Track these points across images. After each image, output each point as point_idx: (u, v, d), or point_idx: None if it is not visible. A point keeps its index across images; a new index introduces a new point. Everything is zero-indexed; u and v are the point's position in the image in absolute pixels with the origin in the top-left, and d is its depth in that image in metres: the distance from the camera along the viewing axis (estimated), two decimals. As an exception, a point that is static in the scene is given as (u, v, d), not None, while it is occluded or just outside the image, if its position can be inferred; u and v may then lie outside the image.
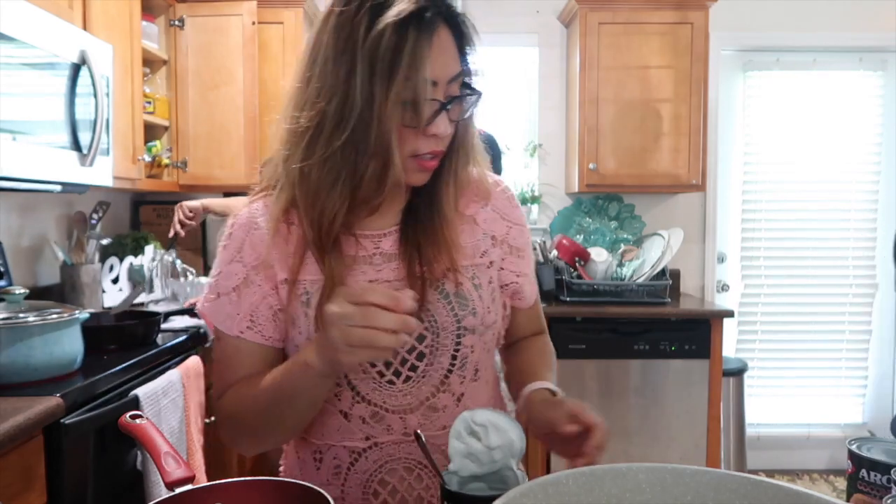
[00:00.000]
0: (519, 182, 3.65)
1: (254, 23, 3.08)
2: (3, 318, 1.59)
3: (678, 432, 3.02)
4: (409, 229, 0.95)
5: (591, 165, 3.27)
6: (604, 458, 0.86)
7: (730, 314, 3.08)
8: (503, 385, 1.10)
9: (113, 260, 2.83)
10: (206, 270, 3.49)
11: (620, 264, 3.33)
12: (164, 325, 2.28)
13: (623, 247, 3.41)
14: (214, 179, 3.14)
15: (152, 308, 2.62)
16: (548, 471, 2.86)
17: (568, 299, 3.21)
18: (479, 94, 0.89)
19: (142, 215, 3.45)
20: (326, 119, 0.85)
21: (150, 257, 2.95)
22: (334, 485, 0.96)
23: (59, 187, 2.05)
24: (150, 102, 2.91)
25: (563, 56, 3.60)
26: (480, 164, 0.99)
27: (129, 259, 2.91)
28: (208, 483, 0.77)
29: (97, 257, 2.62)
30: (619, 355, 3.02)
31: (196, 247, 3.48)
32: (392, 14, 0.81)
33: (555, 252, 3.33)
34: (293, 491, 0.76)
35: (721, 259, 3.76)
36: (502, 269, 1.02)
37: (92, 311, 2.05)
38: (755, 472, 3.44)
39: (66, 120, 2.03)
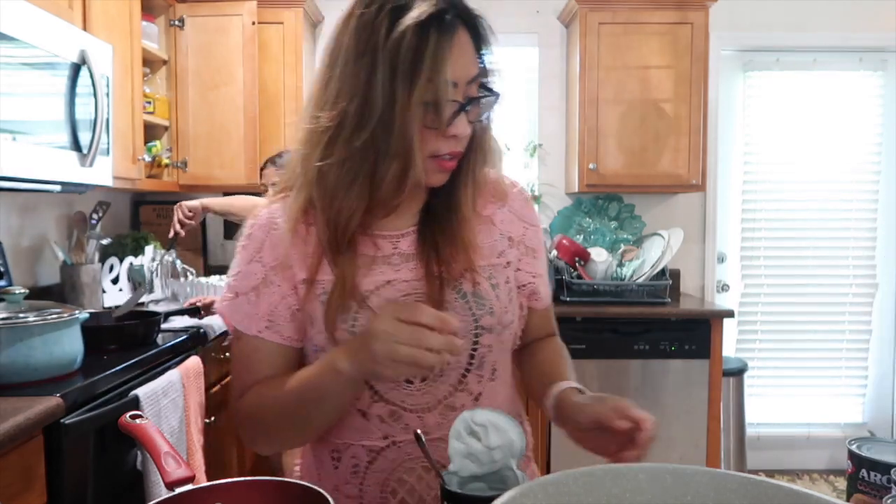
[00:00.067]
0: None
1: (254, 23, 3.08)
2: (3, 318, 1.59)
3: (678, 432, 3.02)
4: (427, 230, 0.96)
5: (591, 165, 3.27)
6: (604, 458, 0.86)
7: (730, 314, 3.08)
8: None
9: (113, 260, 2.83)
10: (206, 270, 3.49)
11: (620, 264, 3.33)
12: (164, 325, 2.28)
13: (623, 247, 3.42)
14: (214, 179, 3.14)
15: (152, 308, 2.62)
16: (548, 471, 2.86)
17: (568, 299, 3.21)
18: (497, 95, 0.90)
19: (142, 215, 3.45)
20: (346, 119, 0.86)
21: (150, 257, 2.95)
22: (352, 484, 0.96)
23: (59, 187, 2.05)
24: (150, 102, 2.91)
25: (563, 56, 3.60)
26: (497, 165, 1.00)
27: (129, 259, 2.91)
28: (208, 483, 0.77)
29: (97, 257, 2.62)
30: (619, 355, 3.02)
31: (196, 247, 3.48)
32: (413, 16, 0.82)
33: (555, 252, 3.33)
34: (293, 491, 0.76)
35: (721, 259, 3.76)
36: (519, 269, 1.02)
37: (92, 311, 2.06)
38: (755, 472, 3.44)
39: (66, 120, 2.03)
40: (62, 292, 2.51)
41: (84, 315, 1.77)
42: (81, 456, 1.60)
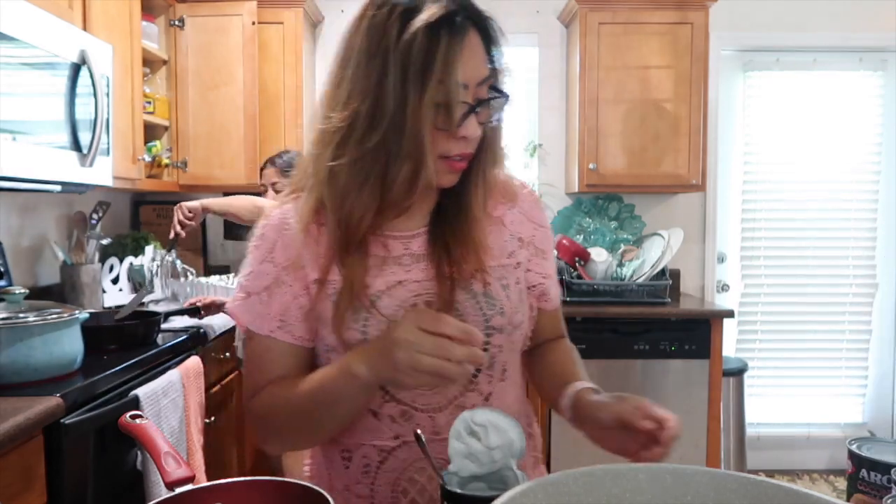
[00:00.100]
0: (519, 182, 3.64)
1: (254, 23, 3.08)
2: (3, 318, 1.59)
3: (678, 432, 3.01)
4: (438, 230, 0.96)
5: (591, 165, 3.27)
6: (604, 458, 0.86)
7: (730, 314, 3.08)
8: None
9: (113, 260, 2.83)
10: (206, 270, 3.49)
11: (620, 264, 3.33)
12: (164, 325, 2.28)
13: (623, 247, 3.41)
14: (214, 179, 3.14)
15: (152, 308, 2.62)
16: (548, 471, 2.86)
17: (568, 299, 3.21)
18: (507, 96, 0.90)
19: (142, 215, 3.45)
20: (358, 120, 0.86)
21: (150, 257, 2.95)
22: (363, 483, 0.96)
23: (59, 187, 2.05)
24: (150, 102, 2.91)
25: (563, 56, 3.60)
26: (507, 166, 1.01)
27: (129, 259, 2.91)
28: (208, 483, 0.77)
29: (97, 257, 2.62)
30: (619, 355, 3.02)
31: (196, 247, 3.48)
32: (423, 18, 0.83)
33: (555, 252, 3.33)
34: (293, 491, 0.76)
35: (721, 259, 3.76)
36: (529, 270, 1.03)
37: (92, 311, 2.06)
38: (755, 472, 3.44)
39: (66, 120, 2.03)
40: (62, 292, 2.51)
41: (84, 315, 1.77)
42: (81, 456, 1.60)
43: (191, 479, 0.78)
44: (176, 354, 2.14)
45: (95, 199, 2.66)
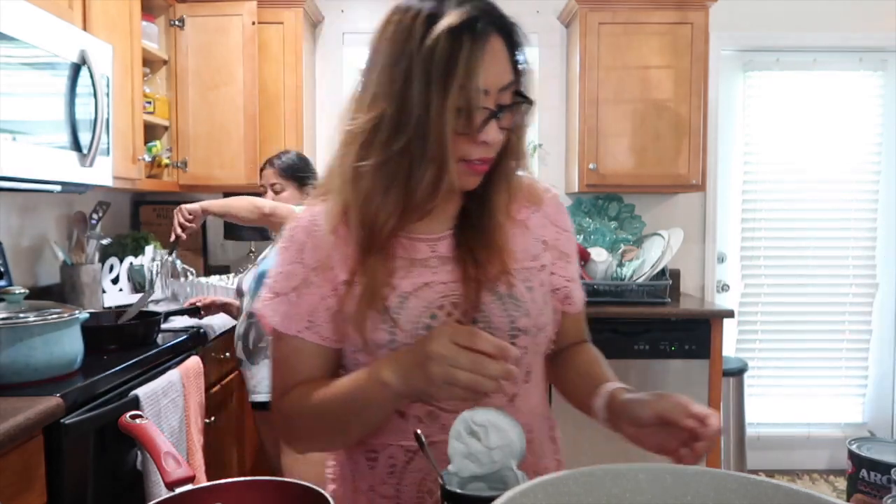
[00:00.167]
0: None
1: (254, 23, 3.08)
2: (3, 318, 1.59)
3: (678, 432, 3.01)
4: (463, 234, 0.97)
5: (591, 165, 3.27)
6: (604, 458, 0.86)
7: (730, 314, 3.08)
8: None
9: (113, 260, 2.83)
10: (206, 270, 3.49)
11: (620, 264, 3.33)
12: (164, 325, 2.28)
13: (623, 247, 3.41)
14: (214, 179, 3.14)
15: (152, 308, 2.62)
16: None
17: (568, 299, 3.20)
18: (530, 102, 0.91)
19: (142, 215, 3.45)
20: (383, 123, 0.87)
21: (150, 257, 2.95)
22: (389, 484, 0.96)
23: (59, 187, 2.05)
24: (150, 102, 2.91)
25: (563, 56, 3.60)
26: (531, 170, 1.02)
27: (129, 259, 2.91)
28: (208, 483, 0.77)
29: (97, 257, 2.62)
30: (619, 355, 3.02)
31: (196, 247, 3.49)
32: (447, 23, 0.84)
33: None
34: (293, 491, 0.76)
35: (721, 259, 3.76)
36: (553, 273, 1.03)
37: (92, 311, 2.06)
38: (755, 472, 3.44)
39: (66, 120, 2.03)
40: (62, 292, 2.51)
41: (84, 315, 1.77)
42: (81, 456, 1.60)
43: (191, 479, 0.78)
44: (176, 354, 2.14)
45: (95, 199, 2.66)
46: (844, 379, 3.81)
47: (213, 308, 2.52)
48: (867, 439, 0.98)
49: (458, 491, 0.76)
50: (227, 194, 3.11)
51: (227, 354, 2.59)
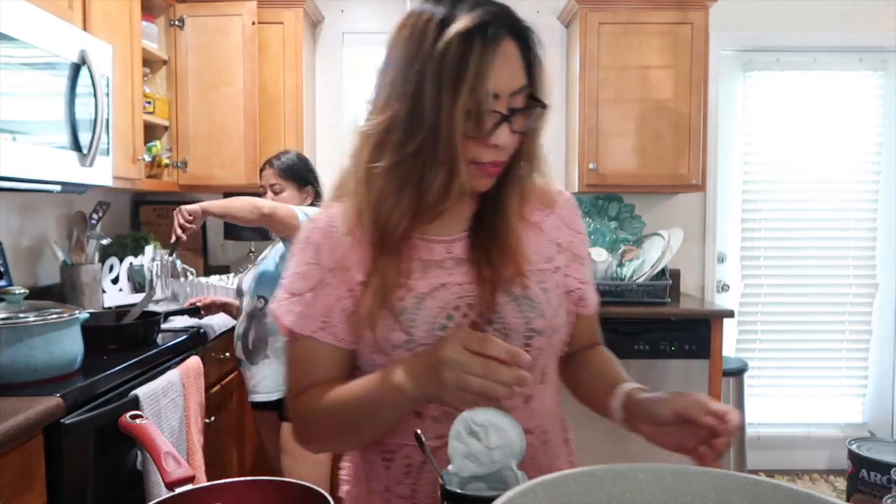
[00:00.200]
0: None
1: (254, 23, 3.08)
2: (3, 318, 1.59)
3: (678, 432, 3.01)
4: (477, 235, 0.98)
5: (591, 165, 3.27)
6: (604, 458, 0.86)
7: (730, 314, 3.08)
8: None
9: (113, 260, 2.83)
10: (206, 270, 3.49)
11: (620, 264, 3.33)
12: (164, 325, 2.28)
13: (623, 247, 3.41)
14: (214, 179, 3.14)
15: (152, 308, 2.62)
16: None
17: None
18: (543, 106, 0.91)
19: (142, 215, 3.45)
20: (396, 125, 0.88)
21: (150, 257, 2.95)
22: (405, 484, 0.96)
23: (59, 187, 2.05)
24: (150, 102, 2.91)
25: (563, 56, 3.60)
26: (545, 173, 1.02)
27: (129, 259, 2.91)
28: (208, 483, 0.77)
29: (97, 257, 2.62)
30: (619, 355, 2.96)
31: (196, 247, 3.49)
32: (458, 27, 0.84)
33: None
34: (293, 491, 0.76)
35: (721, 259, 3.76)
36: (567, 275, 1.04)
37: (92, 311, 2.06)
38: (755, 472, 3.44)
39: (66, 120, 2.03)
40: (62, 292, 2.51)
41: (84, 315, 1.77)
42: (81, 456, 1.60)
43: (191, 479, 0.78)
44: (176, 354, 2.14)
45: (95, 199, 2.66)
46: (844, 379, 3.81)
47: (213, 308, 2.53)
48: (867, 439, 0.98)
49: (458, 491, 0.76)
50: (227, 194, 3.12)
51: (227, 354, 2.59)
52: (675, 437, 0.87)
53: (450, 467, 0.79)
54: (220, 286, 2.91)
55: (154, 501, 0.74)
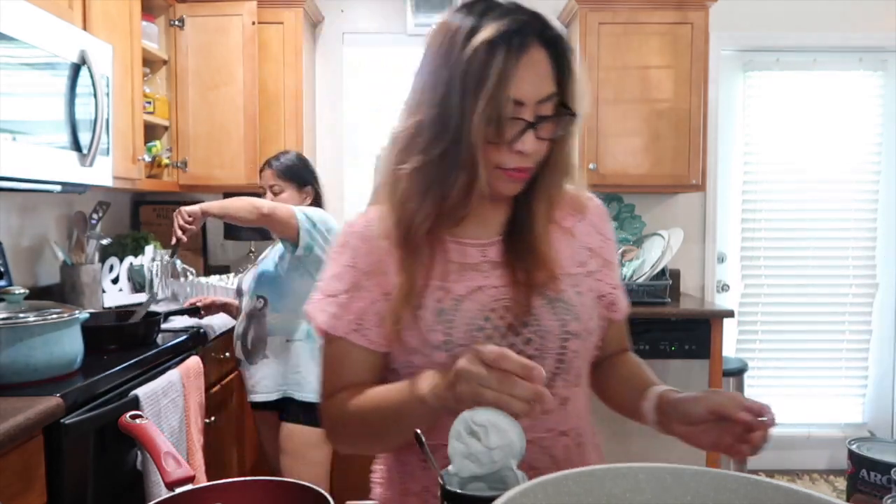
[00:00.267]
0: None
1: (254, 23, 3.08)
2: (3, 318, 1.59)
3: (678, 432, 3.01)
4: (510, 239, 0.99)
5: (591, 165, 3.27)
6: (604, 458, 0.86)
7: (730, 314, 3.08)
8: None
9: (113, 260, 2.83)
10: (206, 270, 3.49)
11: (620, 264, 3.33)
12: (164, 325, 2.28)
13: (623, 247, 3.41)
14: (214, 179, 3.14)
15: (152, 308, 2.62)
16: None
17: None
18: (573, 114, 0.92)
19: (142, 215, 3.45)
20: (423, 129, 0.90)
21: (150, 257, 2.95)
22: None
23: (59, 187, 2.05)
24: (150, 102, 2.91)
25: (563, 56, 3.60)
26: (576, 180, 1.03)
27: (129, 259, 2.91)
28: (208, 483, 0.77)
29: (97, 257, 2.62)
30: (619, 355, 3.02)
31: (196, 247, 3.49)
32: (486, 33, 0.86)
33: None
34: (293, 491, 0.76)
35: (721, 259, 3.76)
36: (599, 280, 1.05)
37: (92, 311, 2.05)
38: (755, 472, 3.43)
39: (66, 120, 2.03)
40: (62, 292, 2.51)
41: (84, 315, 1.77)
42: (81, 456, 1.60)
43: (191, 479, 0.78)
44: (176, 354, 2.14)
45: (95, 199, 2.66)
46: (844, 379, 3.81)
47: (213, 308, 2.52)
48: (867, 439, 0.98)
49: (458, 491, 0.76)
50: (227, 194, 3.11)
51: (227, 354, 2.59)
52: (711, 436, 0.87)
53: (450, 467, 0.79)
54: (220, 286, 2.91)
55: (154, 501, 0.74)
